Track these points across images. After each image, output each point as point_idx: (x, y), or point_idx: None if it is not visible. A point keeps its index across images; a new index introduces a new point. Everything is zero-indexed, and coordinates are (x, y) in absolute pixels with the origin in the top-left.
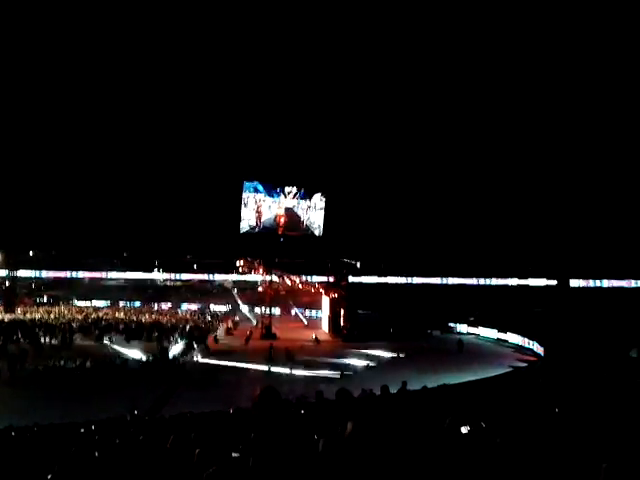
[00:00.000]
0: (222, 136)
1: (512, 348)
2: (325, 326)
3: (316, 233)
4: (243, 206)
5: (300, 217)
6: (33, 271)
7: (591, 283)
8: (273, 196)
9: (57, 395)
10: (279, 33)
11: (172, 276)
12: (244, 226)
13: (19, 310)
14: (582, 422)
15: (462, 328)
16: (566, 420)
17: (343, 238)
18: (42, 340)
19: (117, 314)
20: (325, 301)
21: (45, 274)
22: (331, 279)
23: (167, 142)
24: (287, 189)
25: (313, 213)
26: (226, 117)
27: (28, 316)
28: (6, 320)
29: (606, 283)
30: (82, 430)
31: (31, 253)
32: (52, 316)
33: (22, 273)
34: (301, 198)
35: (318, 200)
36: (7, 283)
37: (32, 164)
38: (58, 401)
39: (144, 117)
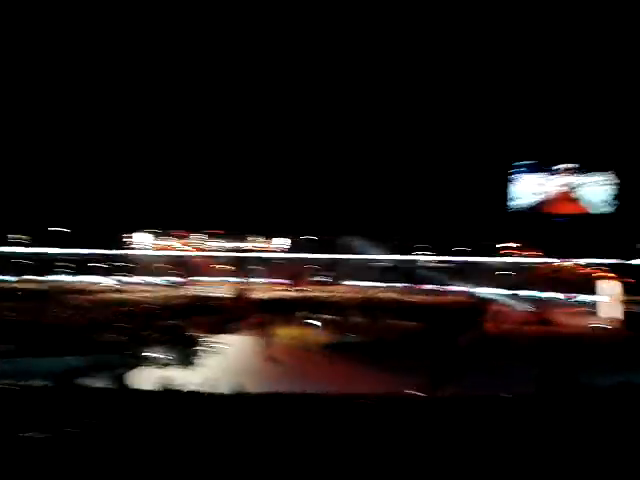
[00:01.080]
0: (491, 117)
1: None
2: (603, 313)
3: (599, 212)
4: (512, 186)
5: (575, 195)
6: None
7: None
8: (544, 174)
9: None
10: None
11: (438, 258)
12: (513, 206)
13: (303, 288)
14: None
15: None
16: None
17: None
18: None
19: (390, 294)
20: (602, 286)
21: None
22: (614, 262)
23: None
24: (561, 166)
25: (593, 191)
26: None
27: (310, 294)
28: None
29: None
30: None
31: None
32: (328, 294)
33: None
34: (580, 175)
35: (601, 178)
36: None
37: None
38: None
39: None
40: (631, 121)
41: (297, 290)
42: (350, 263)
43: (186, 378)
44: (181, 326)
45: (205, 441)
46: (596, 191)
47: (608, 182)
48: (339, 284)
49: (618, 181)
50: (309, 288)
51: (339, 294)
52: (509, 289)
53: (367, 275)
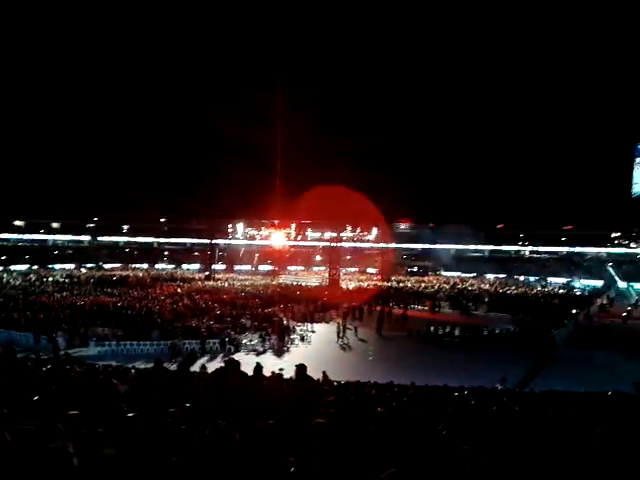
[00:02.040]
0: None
1: None
2: None
3: None
4: (635, 170)
5: None
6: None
7: None
8: None
9: (429, 359)
10: None
11: (542, 249)
12: (636, 191)
13: (393, 279)
14: None
15: None
16: None
17: None
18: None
19: (482, 285)
20: None
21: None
22: None
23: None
24: None
25: None
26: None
27: (401, 285)
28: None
29: None
30: (456, 394)
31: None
32: (422, 285)
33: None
34: None
35: None
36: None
37: None
38: (430, 364)
39: None
40: None
41: (388, 280)
42: (448, 253)
43: (278, 365)
44: (275, 314)
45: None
46: None
47: None
48: (435, 274)
49: None
50: (402, 278)
51: (434, 284)
52: (621, 280)
53: (463, 265)
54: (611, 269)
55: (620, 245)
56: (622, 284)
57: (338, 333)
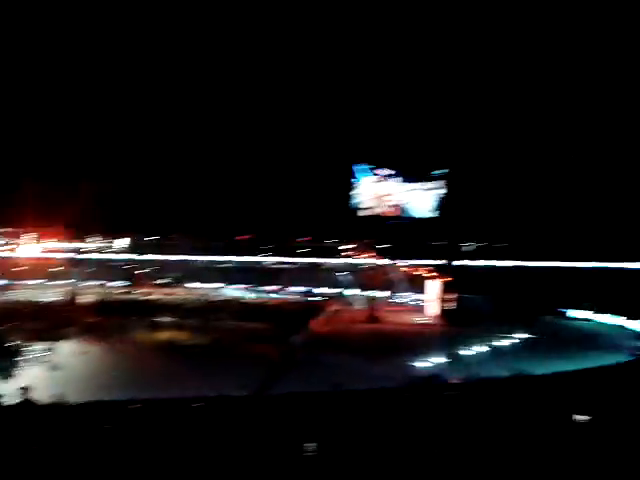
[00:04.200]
0: (331, 121)
1: (632, 334)
2: (431, 310)
3: (426, 217)
4: (352, 189)
5: (405, 200)
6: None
7: None
8: (379, 178)
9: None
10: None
11: (282, 259)
12: (352, 209)
13: (139, 291)
14: None
15: (575, 314)
16: None
17: (450, 222)
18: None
19: None
20: (431, 285)
21: (163, 258)
22: (438, 262)
23: (281, 127)
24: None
25: (422, 197)
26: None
27: (148, 297)
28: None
29: None
30: (195, 405)
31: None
32: (169, 297)
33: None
34: (411, 182)
35: (429, 185)
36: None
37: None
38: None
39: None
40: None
41: (137, 292)
42: (193, 265)
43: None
44: (2, 334)
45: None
46: (424, 197)
47: (435, 189)
48: (181, 286)
49: (444, 190)
50: (150, 290)
51: (181, 296)
52: (346, 289)
53: (211, 277)
54: (342, 278)
55: (347, 256)
56: (350, 291)
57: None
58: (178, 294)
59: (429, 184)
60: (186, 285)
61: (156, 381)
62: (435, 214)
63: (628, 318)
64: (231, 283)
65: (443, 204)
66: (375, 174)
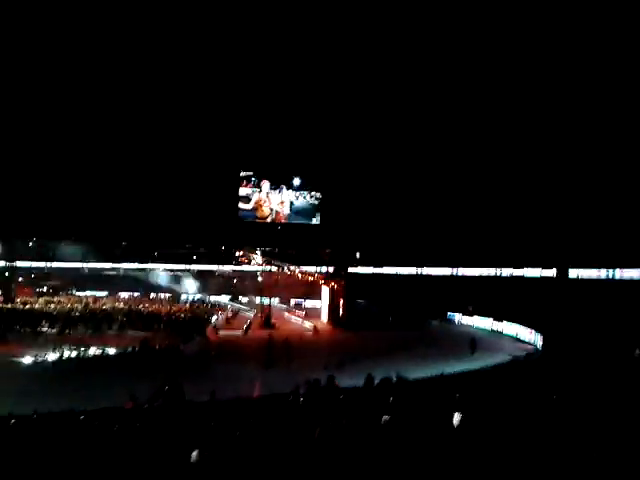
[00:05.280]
0: (218, 126)
1: (509, 338)
2: (324, 316)
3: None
4: (240, 196)
5: (290, 207)
6: (32, 262)
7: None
8: (265, 185)
9: (57, 384)
10: (277, 31)
11: (172, 266)
12: (241, 215)
13: (18, 300)
14: (579, 411)
15: (460, 318)
16: (564, 408)
17: (340, 229)
18: (42, 329)
19: (117, 304)
20: (324, 291)
21: (44, 265)
22: (330, 269)
23: (162, 133)
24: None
25: (305, 204)
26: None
27: (28, 306)
28: (5, 310)
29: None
30: (82, 418)
31: (30, 244)
32: (52, 306)
33: (21, 264)
34: (295, 190)
35: (312, 193)
36: (6, 274)
37: (29, 154)
38: (59, 389)
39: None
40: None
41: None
42: (80, 272)
43: None
44: None
45: None
46: (306, 205)
47: (316, 198)
48: (67, 294)
49: (320, 197)
50: (27, 299)
51: (62, 305)
52: (240, 296)
53: (96, 284)
54: (235, 285)
55: (240, 263)
56: (244, 298)
57: None
58: (63, 302)
59: (314, 192)
60: (72, 293)
61: (37, 395)
62: (317, 221)
63: (507, 321)
64: (122, 291)
65: (330, 210)
66: (260, 181)
